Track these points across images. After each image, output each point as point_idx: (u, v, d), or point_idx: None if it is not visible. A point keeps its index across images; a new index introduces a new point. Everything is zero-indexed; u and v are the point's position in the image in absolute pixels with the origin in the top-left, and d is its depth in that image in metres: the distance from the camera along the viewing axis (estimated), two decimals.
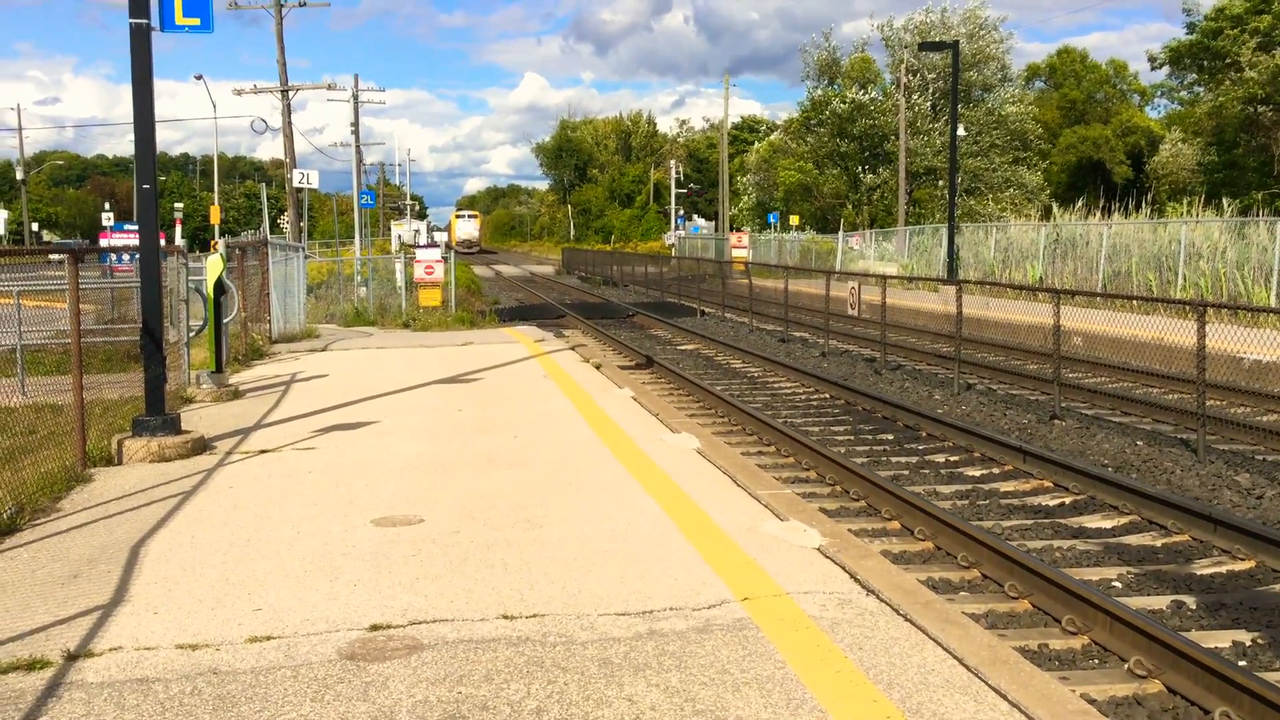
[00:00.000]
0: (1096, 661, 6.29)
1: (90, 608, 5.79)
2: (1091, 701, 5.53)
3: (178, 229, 40.22)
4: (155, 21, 9.65)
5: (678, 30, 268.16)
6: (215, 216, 49.60)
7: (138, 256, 22.46)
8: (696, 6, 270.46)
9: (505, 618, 5.59)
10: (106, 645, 5.26)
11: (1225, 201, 35.07)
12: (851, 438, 12.91)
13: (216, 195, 52.82)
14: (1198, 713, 5.53)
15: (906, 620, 5.55)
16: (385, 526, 7.36)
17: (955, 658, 5.08)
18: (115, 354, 16.29)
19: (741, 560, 6.51)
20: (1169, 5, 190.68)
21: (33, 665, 5.01)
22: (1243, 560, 7.87)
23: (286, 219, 43.21)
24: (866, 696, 4.66)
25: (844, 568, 6.36)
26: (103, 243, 35.75)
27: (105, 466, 9.40)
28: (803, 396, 16.20)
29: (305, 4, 38.32)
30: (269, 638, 5.35)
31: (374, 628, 5.46)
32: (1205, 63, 52.08)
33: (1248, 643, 6.46)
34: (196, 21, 9.80)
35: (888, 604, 5.77)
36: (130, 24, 9.47)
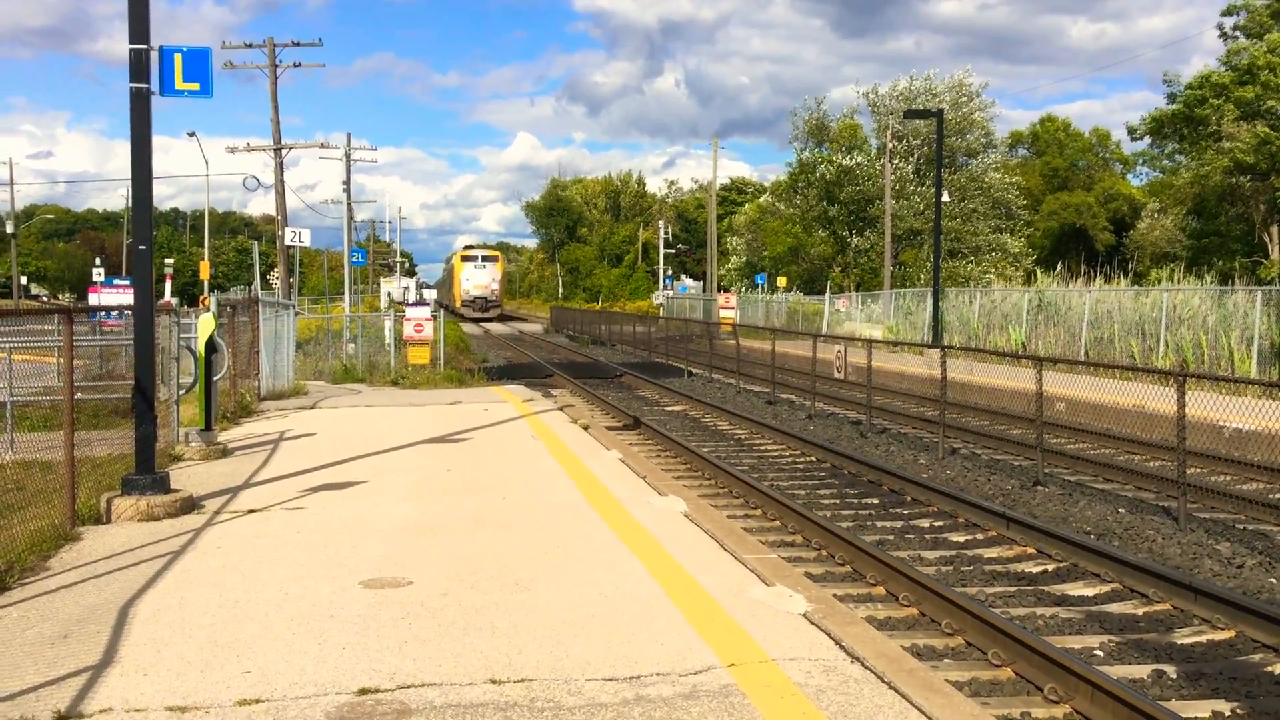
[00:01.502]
0: None
1: (80, 668, 5.81)
2: None
3: (168, 284, 40.36)
4: (155, 86, 9.82)
5: (669, 93, 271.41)
6: (205, 272, 49.78)
7: (127, 314, 22.45)
8: (688, 70, 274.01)
9: (493, 682, 5.64)
10: (96, 707, 5.29)
11: (1207, 270, 35.49)
12: (837, 501, 12.99)
13: (207, 251, 53.05)
14: None
15: (891, 688, 5.61)
16: (374, 588, 7.40)
17: None
18: (103, 410, 16.30)
19: (728, 625, 6.56)
20: (1153, 73, 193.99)
21: None
22: (1223, 630, 7.95)
23: (276, 275, 43.36)
24: None
25: (829, 634, 6.43)
26: (92, 298, 35.80)
27: (94, 525, 9.42)
28: (789, 459, 16.30)
29: (300, 65, 38.78)
30: (258, 700, 5.38)
31: (362, 691, 5.50)
32: (1186, 132, 52.96)
33: (1227, 713, 6.53)
34: (196, 86, 9.97)
35: (872, 671, 5.84)
36: (130, 88, 9.64)
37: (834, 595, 8.03)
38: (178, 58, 9.87)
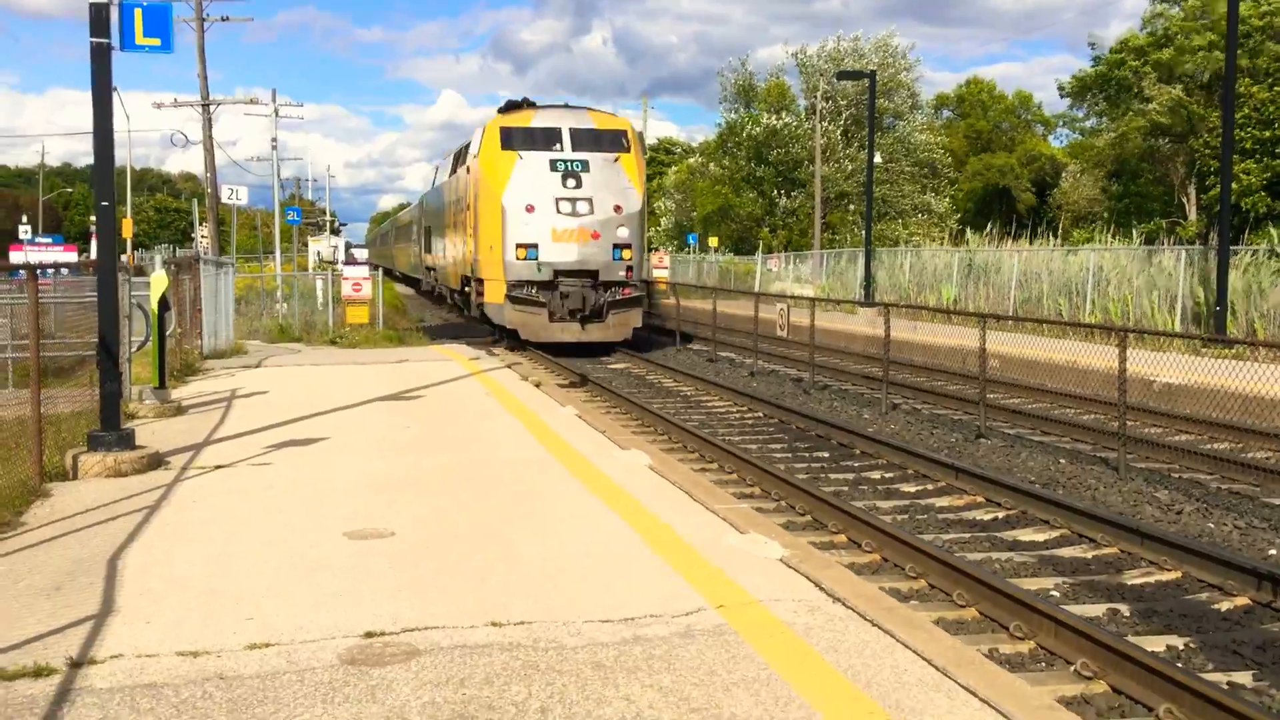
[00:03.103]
0: (1044, 664, 6.69)
1: (81, 618, 5.87)
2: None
3: (92, 243, 39.53)
4: (115, 41, 9.71)
5: (596, 51, 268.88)
6: (128, 230, 48.73)
7: (50, 272, 21.87)
8: (615, 29, 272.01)
9: (494, 625, 5.82)
10: (107, 653, 5.37)
11: (1129, 230, 36.37)
12: (789, 455, 13.29)
13: (130, 208, 51.96)
14: (1142, 710, 5.95)
15: (874, 625, 5.88)
16: (357, 539, 7.52)
17: (924, 659, 5.42)
18: (46, 368, 16.08)
19: (710, 571, 6.80)
20: (1073, 38, 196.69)
21: (39, 672, 5.11)
22: (1170, 571, 8.36)
23: (204, 233, 42.68)
24: (848, 695, 4.98)
25: (808, 577, 6.69)
26: (15, 256, 34.91)
27: (60, 481, 9.39)
28: (736, 415, 16.58)
29: (228, 19, 38.08)
30: (267, 645, 5.51)
31: (368, 635, 5.65)
32: (1110, 93, 54.12)
33: (1180, 646, 6.92)
34: (157, 42, 9.87)
35: (854, 610, 6.11)
36: (91, 43, 9.52)
37: (807, 543, 8.31)
38: (138, 13, 9.75)
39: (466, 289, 29.56)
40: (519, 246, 24.83)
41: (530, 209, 24.72)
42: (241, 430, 11.95)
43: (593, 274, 25.01)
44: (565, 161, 25.17)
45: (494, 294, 25.55)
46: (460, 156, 31.08)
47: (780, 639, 5.65)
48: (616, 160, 25.64)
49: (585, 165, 25.20)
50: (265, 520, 8.06)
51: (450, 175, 32.59)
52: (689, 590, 6.42)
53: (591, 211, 24.91)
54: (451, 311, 35.69)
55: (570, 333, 24.91)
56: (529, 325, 24.84)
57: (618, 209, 25.15)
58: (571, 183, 25.00)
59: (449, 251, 32.96)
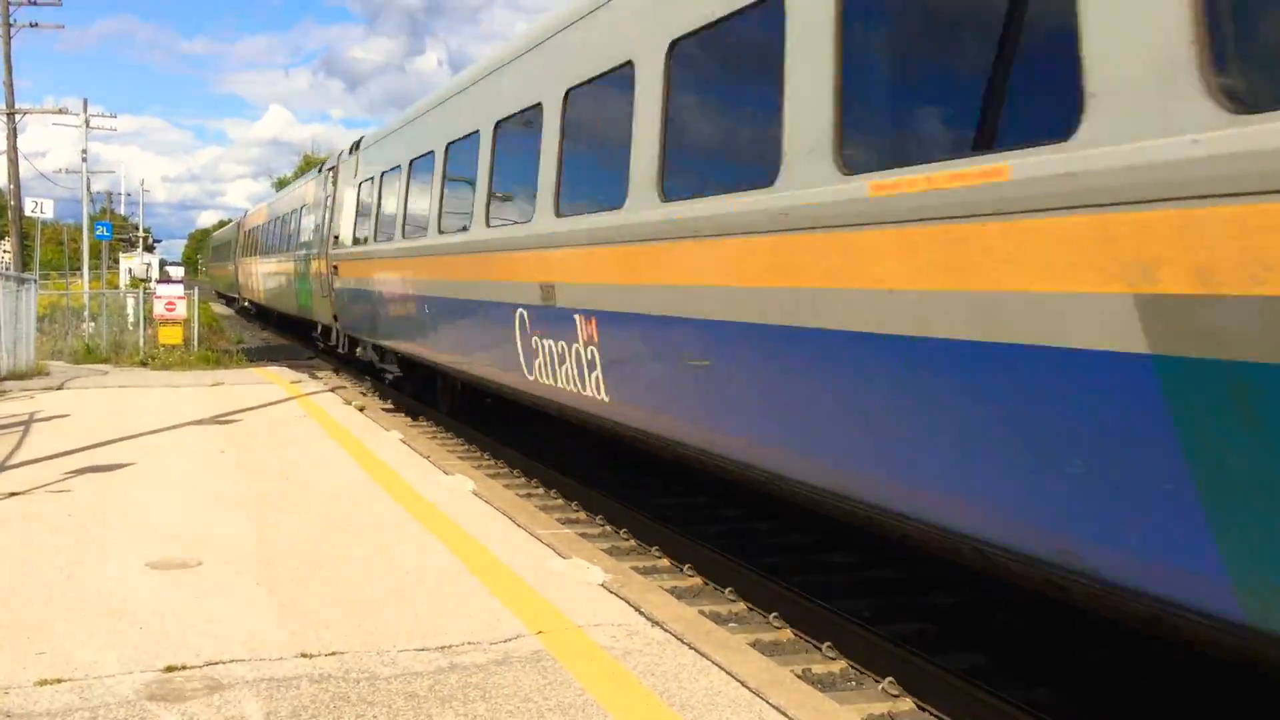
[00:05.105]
0: (854, 684, 6.86)
1: None
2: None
3: None
4: None
5: (431, 72, 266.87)
6: None
7: None
8: (450, 49, 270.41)
9: (304, 656, 5.65)
10: None
11: None
12: (615, 480, 13.31)
13: None
14: None
15: (691, 648, 5.94)
16: (163, 570, 7.22)
17: (738, 680, 5.50)
18: None
19: (531, 596, 6.77)
20: None
21: None
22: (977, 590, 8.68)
23: (5, 247, 40.56)
24: (663, 718, 5.01)
25: (628, 601, 6.72)
26: None
27: None
28: (570, 442, 16.53)
29: (36, 25, 36.32)
30: (60, 680, 5.23)
31: (169, 669, 5.42)
32: None
33: (984, 664, 7.18)
34: None
35: (672, 634, 6.16)
36: None
37: (629, 567, 8.35)
38: None
39: None
40: None
41: None
42: (40, 455, 11.35)
43: None
44: None
45: None
46: None
47: (599, 664, 5.65)
48: None
49: None
50: (63, 550, 7.66)
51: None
52: (509, 616, 6.37)
53: None
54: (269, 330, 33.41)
55: None
56: None
57: None
58: None
59: None
